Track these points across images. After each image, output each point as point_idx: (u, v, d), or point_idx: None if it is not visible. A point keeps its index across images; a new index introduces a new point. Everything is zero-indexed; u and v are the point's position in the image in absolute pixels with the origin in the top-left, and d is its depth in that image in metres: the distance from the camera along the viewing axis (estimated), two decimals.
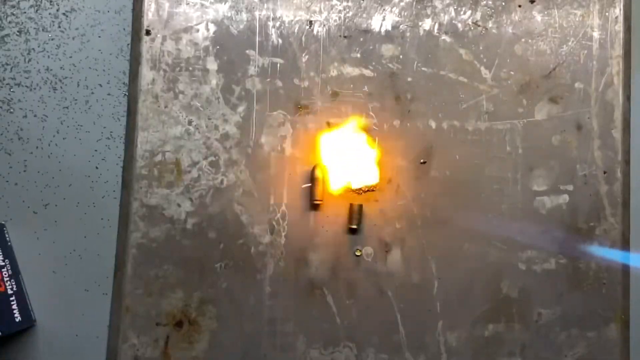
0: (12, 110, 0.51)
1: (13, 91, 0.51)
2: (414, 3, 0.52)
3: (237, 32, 0.51)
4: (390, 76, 0.51)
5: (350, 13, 0.51)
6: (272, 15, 0.51)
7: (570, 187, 0.51)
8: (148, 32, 0.50)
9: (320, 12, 0.51)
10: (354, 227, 0.50)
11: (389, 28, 0.52)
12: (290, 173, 0.50)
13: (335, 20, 0.51)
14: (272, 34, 0.51)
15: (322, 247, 0.50)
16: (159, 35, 0.51)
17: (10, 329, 0.47)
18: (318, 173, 0.49)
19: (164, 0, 0.50)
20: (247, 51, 0.51)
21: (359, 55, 0.51)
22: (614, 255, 0.50)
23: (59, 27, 0.52)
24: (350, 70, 0.51)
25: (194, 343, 0.49)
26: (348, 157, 0.50)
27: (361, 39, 0.51)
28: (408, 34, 0.52)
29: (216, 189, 0.50)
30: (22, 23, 0.52)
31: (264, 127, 0.51)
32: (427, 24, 0.52)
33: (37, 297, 0.50)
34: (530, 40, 0.52)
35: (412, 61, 0.51)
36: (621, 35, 0.51)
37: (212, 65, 0.51)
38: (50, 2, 0.52)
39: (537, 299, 0.50)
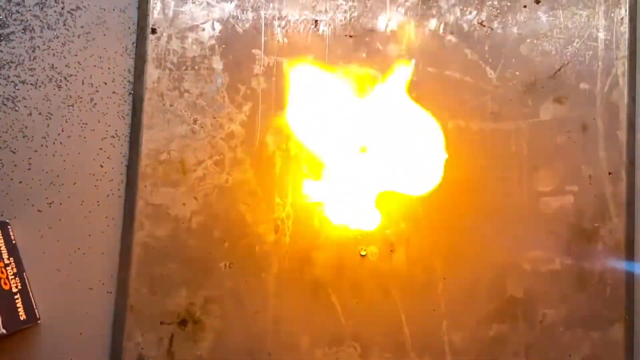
0: (16, 108, 0.51)
1: (18, 89, 0.51)
2: (420, 3, 0.52)
3: (242, 31, 0.51)
4: None
5: (356, 13, 0.51)
6: (277, 14, 0.51)
7: (575, 188, 0.51)
8: (154, 31, 0.50)
9: (326, 11, 0.51)
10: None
11: (395, 28, 0.52)
12: (296, 172, 0.50)
13: (340, 20, 0.51)
14: (277, 33, 0.51)
15: (326, 246, 0.50)
16: (164, 34, 0.50)
17: (15, 327, 0.47)
18: None
19: None
20: (253, 50, 0.51)
21: (364, 54, 0.51)
22: (619, 262, 0.50)
23: (64, 24, 0.52)
24: (356, 70, 0.51)
25: (198, 342, 0.49)
26: None
27: (367, 39, 0.51)
28: (413, 34, 0.51)
29: (221, 188, 0.50)
30: (27, 20, 0.52)
31: (270, 126, 0.51)
32: (432, 24, 0.52)
33: (41, 295, 0.50)
34: (535, 41, 0.52)
35: (418, 61, 0.51)
36: (627, 36, 0.51)
37: (217, 64, 0.51)
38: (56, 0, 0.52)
39: (541, 299, 0.50)
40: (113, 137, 0.52)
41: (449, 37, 0.52)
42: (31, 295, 0.50)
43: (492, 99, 0.51)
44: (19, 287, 0.48)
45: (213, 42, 0.51)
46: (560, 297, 0.50)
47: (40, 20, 0.52)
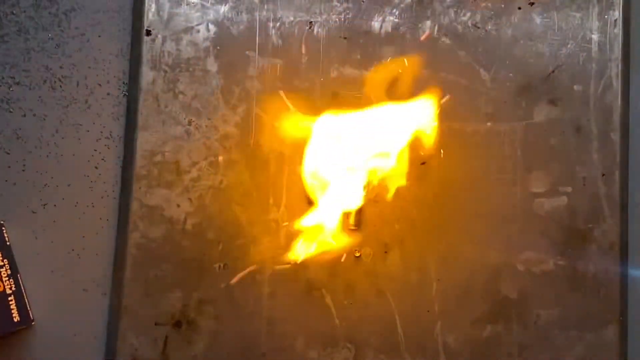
0: (11, 109, 0.51)
1: (12, 90, 0.51)
2: (414, 5, 0.52)
3: (237, 33, 0.51)
4: None
5: (351, 14, 0.52)
6: (272, 16, 0.51)
7: (569, 189, 0.51)
8: (148, 33, 0.50)
9: (321, 13, 0.51)
10: (354, 228, 0.50)
11: (389, 30, 0.52)
12: (289, 174, 0.50)
13: (335, 22, 0.51)
14: (272, 35, 0.51)
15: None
16: (159, 36, 0.50)
17: (9, 329, 0.47)
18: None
19: (164, 0, 0.50)
20: (247, 52, 0.51)
21: (359, 56, 0.51)
22: (613, 263, 0.50)
23: (59, 26, 0.52)
24: (350, 72, 0.51)
25: (192, 343, 0.49)
26: None
27: (361, 41, 0.51)
28: (408, 36, 0.52)
29: (215, 189, 0.50)
30: (22, 22, 0.52)
31: (264, 127, 0.51)
32: (426, 25, 0.52)
33: (35, 297, 0.50)
34: (529, 43, 0.52)
35: (412, 63, 0.51)
36: (620, 38, 0.51)
37: (212, 66, 0.51)
38: (50, 1, 0.52)
39: (535, 300, 0.50)
40: (107, 138, 0.52)
41: (443, 38, 0.52)
42: (25, 297, 0.50)
43: (486, 101, 0.51)
44: (13, 288, 0.48)
45: (208, 44, 0.51)
46: (554, 298, 0.50)
47: (35, 22, 0.52)
